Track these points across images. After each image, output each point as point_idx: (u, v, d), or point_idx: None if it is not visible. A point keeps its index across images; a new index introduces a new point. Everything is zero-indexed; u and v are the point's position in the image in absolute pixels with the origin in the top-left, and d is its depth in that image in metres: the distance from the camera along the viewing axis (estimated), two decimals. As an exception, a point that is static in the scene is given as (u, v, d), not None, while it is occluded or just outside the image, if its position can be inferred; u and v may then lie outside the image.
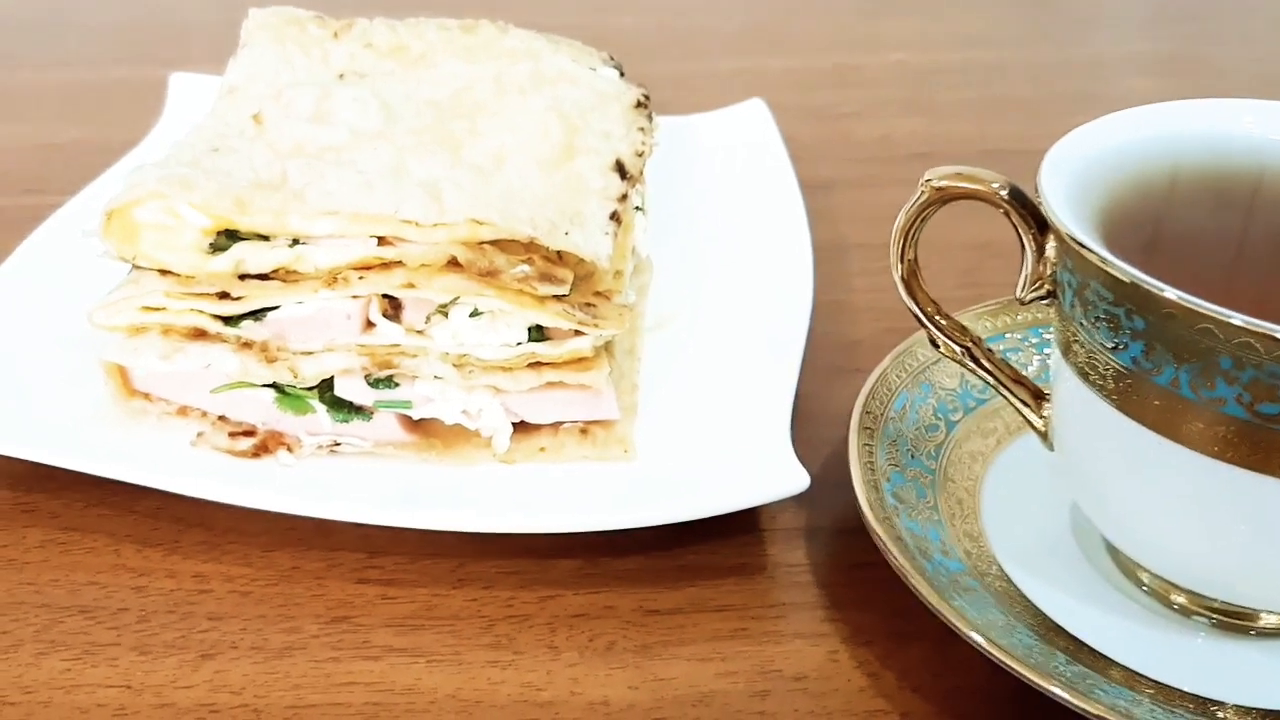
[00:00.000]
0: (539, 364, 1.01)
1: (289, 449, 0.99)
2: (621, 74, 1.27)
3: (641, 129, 1.19)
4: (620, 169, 1.12)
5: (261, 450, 0.99)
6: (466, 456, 1.00)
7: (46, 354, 1.06)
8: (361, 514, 0.93)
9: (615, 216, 1.07)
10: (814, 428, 1.05)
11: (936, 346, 0.94)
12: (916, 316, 0.93)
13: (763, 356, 1.08)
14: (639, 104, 1.22)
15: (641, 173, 1.17)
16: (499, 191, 1.05)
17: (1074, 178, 0.84)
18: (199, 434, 1.00)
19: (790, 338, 1.09)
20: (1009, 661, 0.78)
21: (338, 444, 1.00)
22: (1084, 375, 0.82)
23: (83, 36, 1.95)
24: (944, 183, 0.88)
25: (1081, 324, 0.81)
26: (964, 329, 0.94)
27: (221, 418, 1.01)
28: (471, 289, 0.98)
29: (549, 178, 1.09)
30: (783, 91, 1.55)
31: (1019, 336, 1.07)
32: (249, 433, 1.00)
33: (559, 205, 1.05)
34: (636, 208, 1.22)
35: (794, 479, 0.93)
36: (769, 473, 0.94)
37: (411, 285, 0.99)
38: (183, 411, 1.02)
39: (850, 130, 1.56)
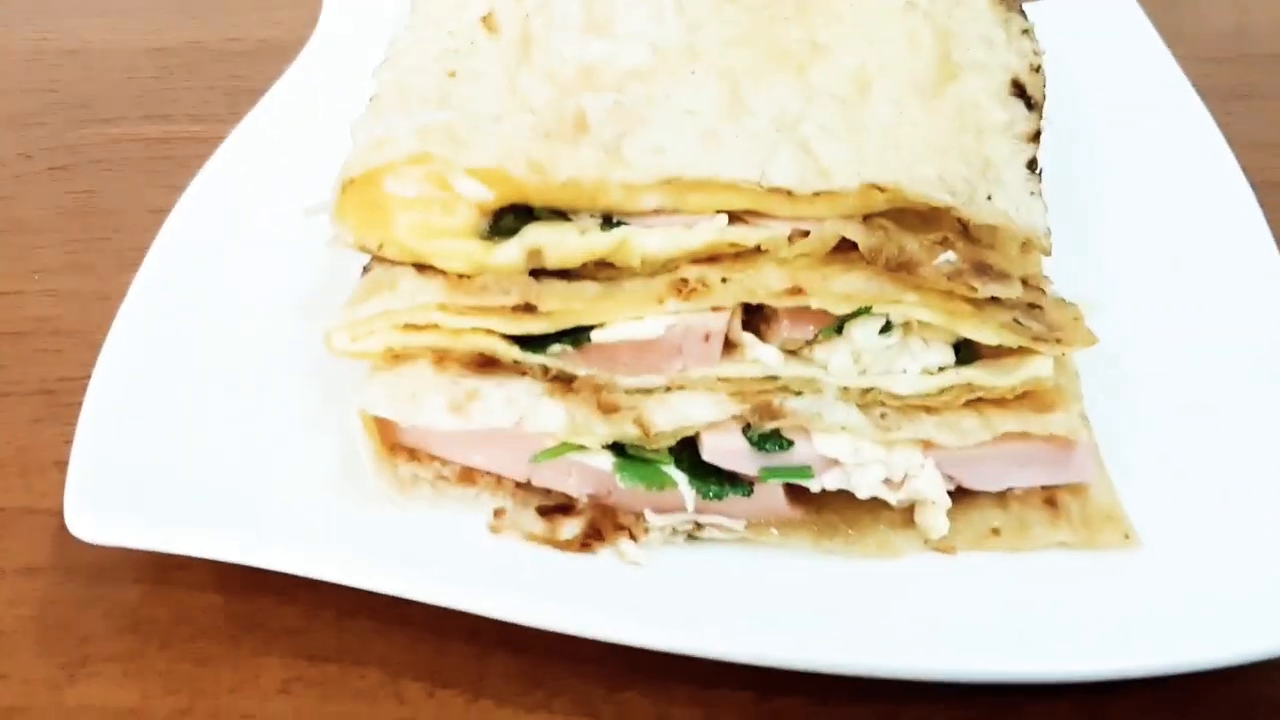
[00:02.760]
0: (978, 401, 0.69)
1: (631, 535, 0.68)
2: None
3: (1025, 31, 0.85)
4: (1021, 92, 0.79)
5: (593, 538, 0.68)
6: (884, 542, 0.69)
7: (245, 394, 0.74)
8: (766, 653, 0.62)
9: (1033, 165, 0.74)
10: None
11: None
12: None
13: (1257, 376, 0.76)
14: (1004, -3, 0.88)
15: (1045, 97, 0.83)
16: (878, 135, 0.72)
17: None
18: (498, 512, 0.69)
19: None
20: None
21: (699, 525, 0.69)
22: None
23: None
24: None
25: None
26: None
27: (524, 485, 0.70)
28: (887, 293, 0.67)
29: (933, 109, 0.75)
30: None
31: None
32: (566, 507, 0.69)
33: (962, 152, 0.72)
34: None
35: None
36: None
37: (799, 291, 0.66)
38: (467, 478, 0.70)
39: (1196, 21, 1.19)
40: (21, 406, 0.80)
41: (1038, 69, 0.82)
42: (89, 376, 0.79)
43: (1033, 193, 0.72)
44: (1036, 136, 0.77)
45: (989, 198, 0.70)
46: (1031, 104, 0.79)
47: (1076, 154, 0.95)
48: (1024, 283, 0.72)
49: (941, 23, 0.82)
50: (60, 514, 0.69)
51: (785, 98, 0.74)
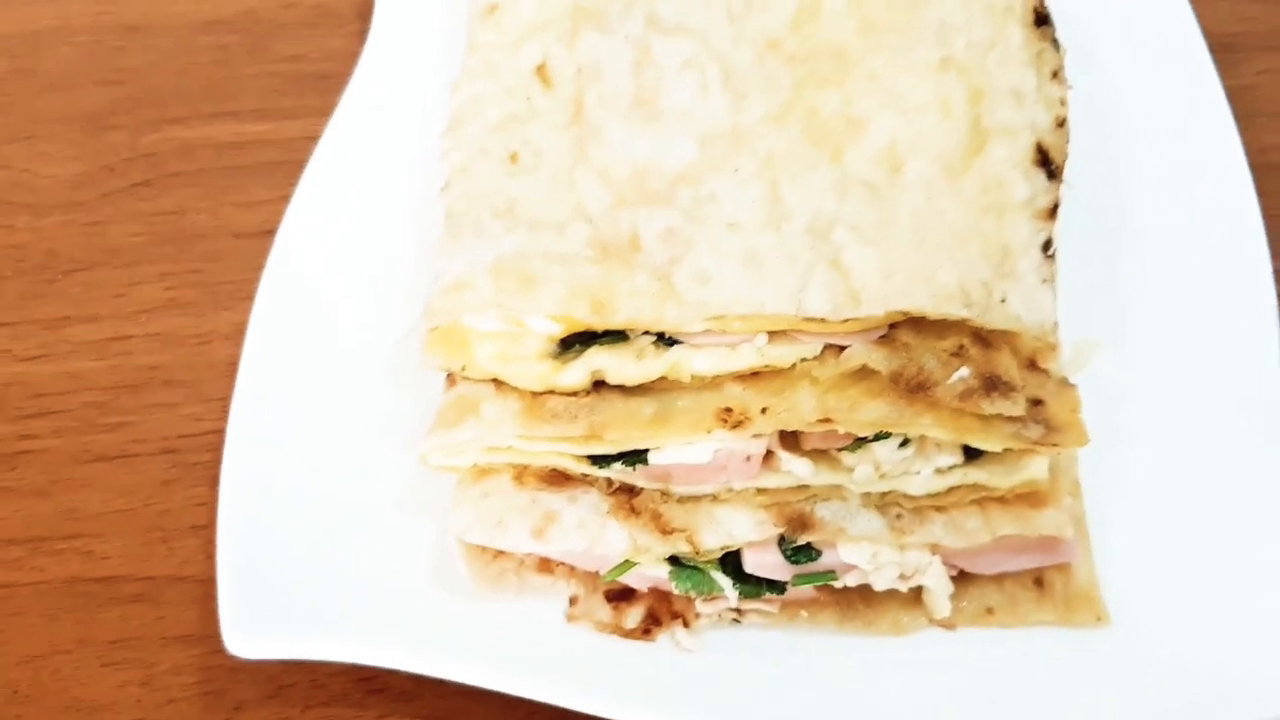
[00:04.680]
0: (982, 499, 0.80)
1: (684, 622, 0.81)
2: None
3: (1055, 74, 0.88)
4: (1044, 160, 0.84)
5: (652, 624, 0.81)
6: (895, 622, 0.82)
7: (349, 482, 0.85)
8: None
9: (1048, 246, 0.81)
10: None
11: None
12: None
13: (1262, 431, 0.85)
14: (1039, 19, 0.89)
15: (1067, 155, 0.86)
16: (907, 233, 0.80)
17: None
18: (573, 600, 0.82)
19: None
20: None
21: (740, 611, 0.82)
22: None
23: None
24: None
25: None
26: None
27: (594, 574, 0.82)
28: (904, 419, 0.76)
29: (958, 191, 0.82)
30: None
31: None
32: (627, 594, 0.82)
33: (983, 243, 0.80)
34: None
35: None
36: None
37: (828, 420, 0.76)
38: (545, 567, 0.83)
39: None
40: (151, 467, 0.91)
41: (1063, 123, 0.86)
42: (203, 433, 0.92)
43: (1044, 280, 0.80)
44: (1054, 210, 0.83)
45: (1004, 301, 0.78)
46: (1053, 172, 0.85)
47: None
48: (1031, 364, 0.82)
49: (974, 79, 0.85)
50: (203, 582, 0.84)
51: (821, 192, 0.81)
